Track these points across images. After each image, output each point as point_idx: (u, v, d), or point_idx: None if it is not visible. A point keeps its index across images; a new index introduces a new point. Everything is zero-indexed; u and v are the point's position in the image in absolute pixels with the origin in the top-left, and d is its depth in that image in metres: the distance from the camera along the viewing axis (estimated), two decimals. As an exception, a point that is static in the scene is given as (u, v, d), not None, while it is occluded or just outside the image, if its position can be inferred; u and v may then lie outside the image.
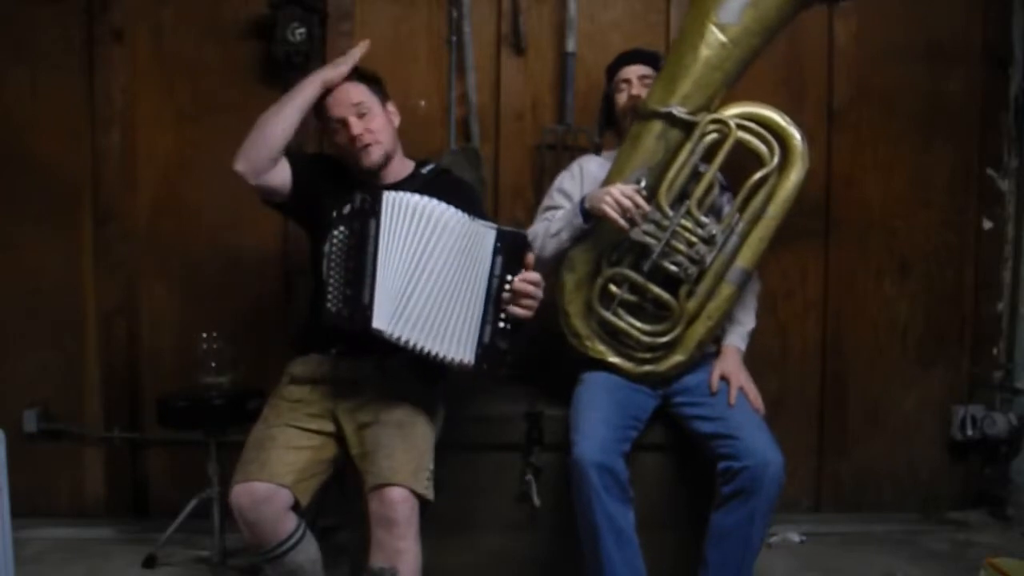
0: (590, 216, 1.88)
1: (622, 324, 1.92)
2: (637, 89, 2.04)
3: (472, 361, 1.66)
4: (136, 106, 2.52)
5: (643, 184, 1.87)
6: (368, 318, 1.58)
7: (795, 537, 2.48)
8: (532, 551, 1.97)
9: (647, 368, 1.93)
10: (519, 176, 2.55)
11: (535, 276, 1.70)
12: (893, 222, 2.65)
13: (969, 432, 2.65)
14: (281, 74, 2.47)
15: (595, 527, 1.71)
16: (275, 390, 1.85)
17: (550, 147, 2.51)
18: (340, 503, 1.96)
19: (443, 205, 1.65)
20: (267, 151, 1.77)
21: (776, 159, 1.87)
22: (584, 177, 2.10)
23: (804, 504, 2.66)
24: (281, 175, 1.81)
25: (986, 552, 2.27)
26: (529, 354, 1.81)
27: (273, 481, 1.62)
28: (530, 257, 1.70)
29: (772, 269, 2.53)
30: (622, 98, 2.07)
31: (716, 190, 1.90)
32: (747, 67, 1.90)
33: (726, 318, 1.97)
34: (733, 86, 1.90)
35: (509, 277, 1.67)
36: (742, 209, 1.89)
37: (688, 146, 1.87)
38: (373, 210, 1.60)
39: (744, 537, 1.74)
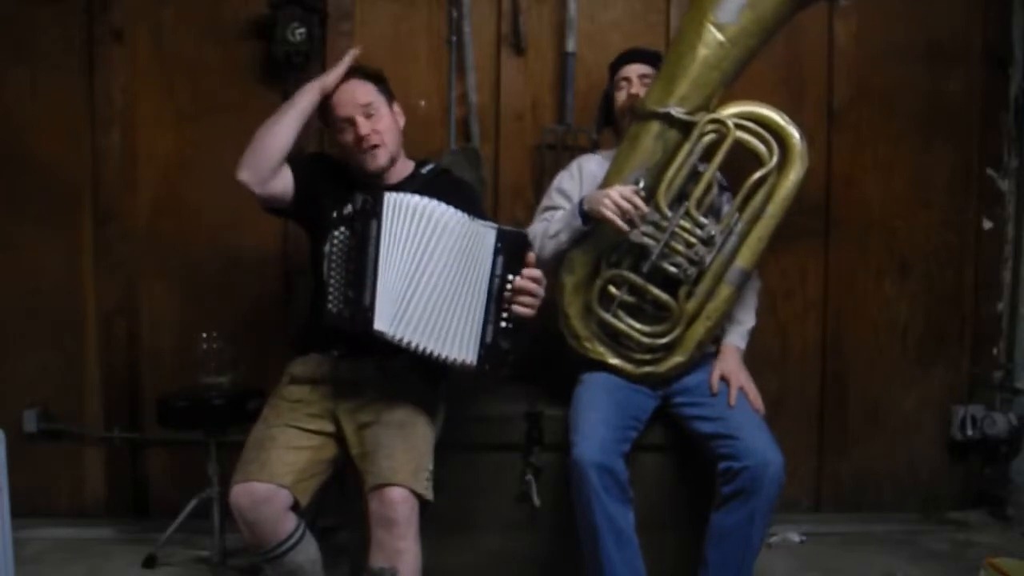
0: (589, 218, 1.88)
1: (621, 325, 1.92)
2: (636, 88, 2.04)
3: (474, 361, 1.66)
4: (136, 106, 2.52)
5: (642, 185, 1.86)
6: (369, 320, 1.58)
7: (795, 537, 2.48)
8: (532, 551, 1.97)
9: (647, 369, 1.93)
10: (519, 176, 2.55)
11: (537, 273, 1.70)
12: (893, 222, 2.65)
13: (969, 432, 2.65)
14: (281, 74, 2.47)
15: (595, 527, 1.71)
16: (275, 390, 1.85)
17: (550, 147, 2.51)
18: (340, 503, 1.95)
19: (443, 206, 1.65)
20: (269, 160, 1.77)
21: (775, 159, 1.87)
22: (583, 177, 2.10)
23: (804, 504, 2.66)
24: (283, 182, 1.81)
25: (986, 552, 2.27)
26: (529, 354, 1.81)
27: (273, 481, 1.62)
28: (531, 256, 1.70)
29: (772, 269, 2.53)
30: (621, 96, 2.08)
31: (715, 190, 1.90)
32: (745, 67, 1.90)
33: (725, 318, 1.97)
34: (732, 86, 1.90)
35: (510, 276, 1.67)
36: (741, 209, 1.89)
37: (686, 146, 1.87)
38: (374, 211, 1.60)
39: (744, 537, 1.74)
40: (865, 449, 2.67)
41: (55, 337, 2.55)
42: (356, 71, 1.86)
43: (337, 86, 1.83)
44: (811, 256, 2.63)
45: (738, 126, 1.86)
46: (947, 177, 2.66)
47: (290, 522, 1.66)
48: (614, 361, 1.94)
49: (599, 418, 1.80)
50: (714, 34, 1.83)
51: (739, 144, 1.88)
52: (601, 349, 1.96)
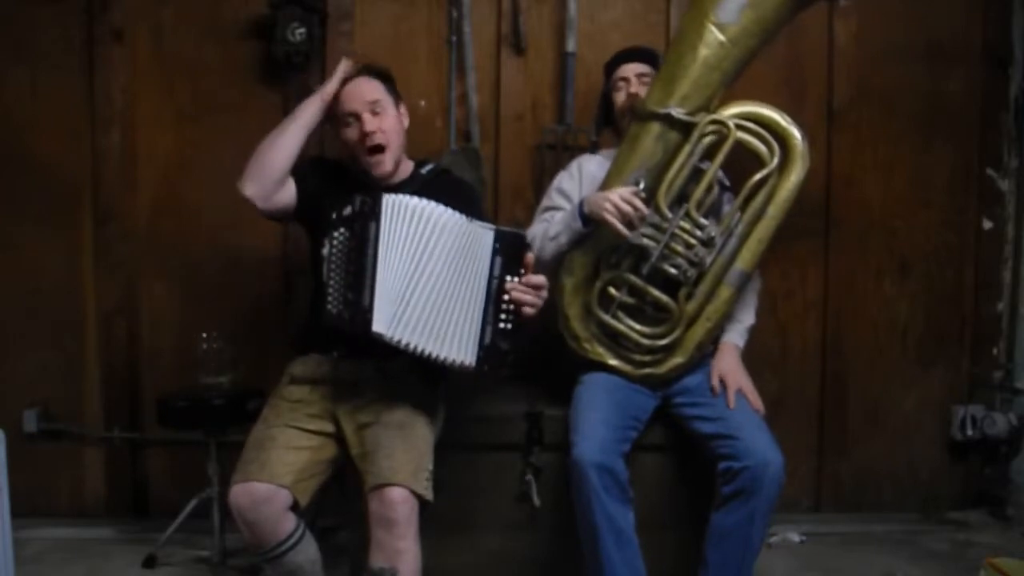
0: (589, 220, 1.88)
1: (621, 327, 1.92)
2: (636, 88, 2.03)
3: (473, 362, 1.66)
4: (136, 106, 2.52)
5: (642, 186, 1.86)
6: (368, 321, 1.59)
7: (795, 537, 2.48)
8: (532, 551, 1.97)
9: (646, 370, 1.93)
10: (519, 176, 2.55)
11: (538, 280, 1.69)
12: (893, 222, 2.65)
13: (969, 432, 2.65)
14: (281, 74, 2.47)
15: (595, 527, 1.71)
16: (275, 390, 1.85)
17: (550, 147, 2.51)
18: (340, 503, 1.96)
19: (441, 207, 1.66)
20: (274, 174, 1.78)
21: (776, 159, 1.86)
22: (583, 177, 2.10)
23: (804, 504, 2.66)
24: (287, 194, 1.82)
25: (986, 552, 2.27)
26: (529, 354, 1.81)
27: (273, 481, 1.63)
28: (529, 257, 1.70)
29: (772, 269, 2.53)
30: (620, 97, 2.07)
31: (716, 191, 1.89)
32: (745, 67, 1.89)
33: (726, 319, 1.96)
34: (732, 86, 1.90)
35: (508, 277, 1.67)
36: (742, 210, 1.88)
37: (687, 147, 1.86)
38: (373, 213, 1.60)
39: (744, 537, 1.74)
40: (865, 449, 2.67)
41: (55, 337, 2.55)
42: (365, 69, 1.87)
43: (342, 87, 1.84)
44: (811, 256, 2.62)
45: (739, 127, 1.86)
46: (947, 177, 2.66)
47: (290, 522, 1.66)
48: (614, 362, 1.94)
49: (599, 418, 1.80)
50: (715, 34, 1.82)
51: (740, 145, 1.87)
52: (601, 350, 1.95)
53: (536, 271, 1.72)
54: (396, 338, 1.61)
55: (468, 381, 1.80)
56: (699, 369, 1.96)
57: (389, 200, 1.62)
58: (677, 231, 1.85)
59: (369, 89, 1.83)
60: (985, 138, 2.66)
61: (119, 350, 2.55)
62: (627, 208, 1.80)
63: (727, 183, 2.01)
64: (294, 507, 1.66)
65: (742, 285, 1.92)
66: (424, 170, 1.93)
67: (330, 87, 1.85)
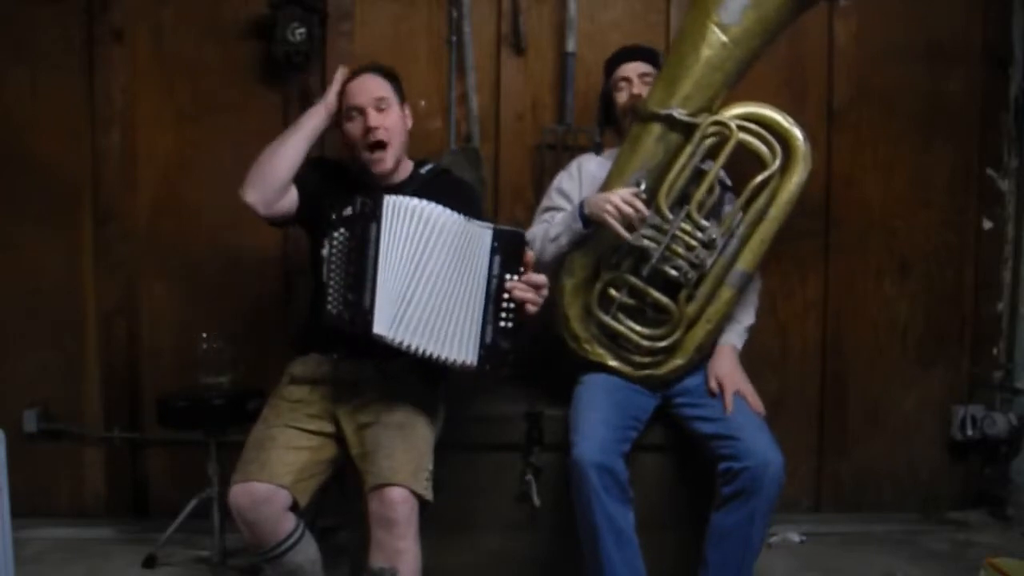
0: (590, 221, 1.88)
1: (621, 328, 1.92)
2: (638, 88, 2.02)
3: (474, 362, 1.66)
4: (136, 106, 2.52)
5: (643, 187, 1.85)
6: (369, 323, 1.59)
7: (795, 537, 2.48)
8: (532, 551, 1.97)
9: (646, 372, 1.93)
10: (519, 176, 2.55)
11: (538, 279, 1.69)
12: (893, 222, 2.65)
13: (969, 432, 2.64)
14: (281, 74, 2.47)
15: (595, 527, 1.71)
16: (275, 390, 1.86)
17: (550, 147, 2.50)
18: (340, 503, 1.96)
19: (440, 207, 1.66)
20: (276, 182, 1.78)
21: (778, 161, 1.85)
22: (583, 177, 2.10)
23: (804, 504, 2.66)
24: (289, 200, 1.82)
25: (986, 552, 2.27)
26: (530, 354, 1.81)
27: (272, 481, 1.63)
28: (529, 255, 1.70)
29: (772, 269, 2.53)
30: (622, 97, 2.06)
31: (717, 191, 1.89)
32: (748, 68, 1.88)
33: (726, 320, 1.96)
34: (734, 87, 1.89)
35: (508, 276, 1.67)
36: (744, 211, 1.87)
37: (688, 148, 1.86)
38: (374, 214, 1.61)
39: (744, 537, 1.74)
40: (865, 449, 2.67)
41: (55, 337, 2.55)
42: (373, 67, 1.88)
43: (346, 84, 1.85)
44: (811, 256, 2.62)
45: (741, 128, 1.85)
46: (947, 177, 2.66)
47: (289, 522, 1.66)
48: (613, 363, 1.94)
49: (599, 418, 1.80)
50: (717, 35, 1.82)
51: (742, 145, 1.86)
52: (601, 351, 1.95)
53: (536, 271, 1.72)
54: (397, 339, 1.61)
55: (469, 381, 1.80)
56: (699, 370, 1.95)
57: (390, 201, 1.62)
58: (678, 233, 1.84)
59: (376, 86, 1.84)
60: (985, 138, 2.66)
61: (119, 350, 2.55)
62: (628, 210, 1.80)
63: (728, 183, 2.00)
64: (294, 507, 1.66)
65: (743, 286, 1.92)
66: (424, 170, 1.93)
67: (332, 96, 1.85)
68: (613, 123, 2.15)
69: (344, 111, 1.85)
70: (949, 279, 2.68)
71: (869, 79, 2.60)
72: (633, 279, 1.88)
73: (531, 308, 1.68)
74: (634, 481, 1.77)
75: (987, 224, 2.68)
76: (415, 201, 1.64)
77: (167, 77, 2.52)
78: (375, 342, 1.61)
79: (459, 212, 1.68)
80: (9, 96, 2.51)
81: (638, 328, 1.91)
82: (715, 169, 1.85)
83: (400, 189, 1.80)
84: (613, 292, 1.91)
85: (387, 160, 1.83)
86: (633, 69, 2.05)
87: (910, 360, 2.68)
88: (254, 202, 1.78)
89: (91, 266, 2.55)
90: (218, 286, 2.55)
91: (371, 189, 1.81)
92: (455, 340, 1.64)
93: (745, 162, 1.89)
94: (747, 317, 2.03)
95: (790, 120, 1.90)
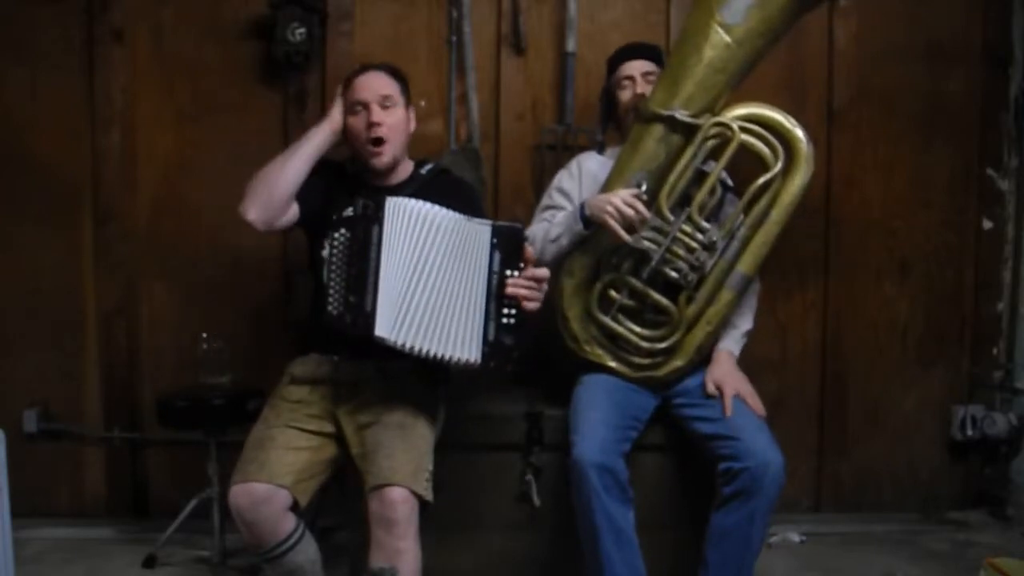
0: (591, 222, 1.87)
1: (621, 329, 1.92)
2: (641, 87, 2.01)
3: (478, 359, 1.65)
4: (136, 106, 2.52)
5: (644, 188, 1.84)
6: (371, 325, 1.59)
7: (795, 537, 2.48)
8: (532, 551, 1.97)
9: (645, 373, 1.93)
10: (519, 176, 2.55)
11: (539, 273, 1.69)
12: (893, 222, 2.65)
13: (969, 432, 2.64)
14: (281, 74, 2.47)
15: (595, 527, 1.71)
16: (275, 390, 1.85)
17: (550, 147, 2.50)
18: (340, 503, 1.96)
19: (439, 208, 1.66)
20: (278, 202, 1.78)
21: (780, 163, 1.84)
22: (583, 176, 2.09)
23: (804, 504, 2.66)
24: (291, 215, 1.82)
25: (986, 552, 2.27)
26: (530, 355, 1.81)
27: (272, 482, 1.63)
28: (529, 250, 1.70)
29: (772, 269, 2.51)
30: (625, 95, 2.05)
31: (719, 192, 1.88)
32: (751, 69, 1.87)
33: (726, 322, 1.95)
34: (736, 88, 1.89)
35: (508, 272, 1.67)
36: (745, 213, 1.86)
37: (690, 150, 1.85)
38: (376, 216, 1.61)
39: (744, 537, 1.74)
40: (865, 449, 2.67)
41: (55, 337, 2.55)
42: (383, 65, 1.88)
43: (354, 79, 1.85)
44: (811, 256, 2.62)
45: (743, 129, 1.83)
46: (947, 177, 2.66)
47: (289, 522, 1.66)
48: (612, 364, 1.94)
49: (599, 418, 1.80)
50: (720, 35, 1.80)
51: (744, 147, 1.85)
52: (600, 352, 1.95)
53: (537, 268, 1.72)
54: (399, 342, 1.61)
55: (474, 378, 1.80)
56: (699, 370, 1.95)
57: (392, 203, 1.62)
58: (679, 235, 1.84)
59: (384, 83, 1.84)
60: (985, 138, 2.66)
61: (119, 350, 2.55)
62: (628, 212, 1.80)
63: (730, 183, 1.99)
64: (294, 507, 1.66)
65: (744, 289, 1.91)
66: (424, 170, 1.93)
67: (336, 114, 1.85)
68: (615, 121, 2.14)
69: (349, 105, 1.85)
70: (949, 279, 2.68)
71: (869, 79, 2.60)
72: (633, 280, 1.88)
73: (531, 304, 1.68)
74: (634, 481, 1.77)
75: (987, 224, 2.68)
76: (416, 203, 1.65)
77: (167, 77, 2.52)
78: (376, 343, 1.61)
79: (459, 212, 1.68)
80: (9, 96, 2.51)
81: (638, 329, 1.91)
82: (717, 170, 1.85)
83: (400, 189, 1.80)
84: (613, 293, 1.91)
85: (384, 155, 1.83)
86: (636, 67, 2.04)
87: (910, 360, 2.68)
88: (255, 220, 1.78)
89: (91, 266, 2.55)
90: (218, 286, 2.54)
91: (371, 189, 1.82)
92: (458, 339, 1.64)
93: (747, 162, 1.88)
94: (745, 322, 2.02)
95: (793, 121, 1.88)
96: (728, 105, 1.88)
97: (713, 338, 1.94)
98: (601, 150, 2.20)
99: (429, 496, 1.64)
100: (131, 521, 2.54)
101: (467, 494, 1.95)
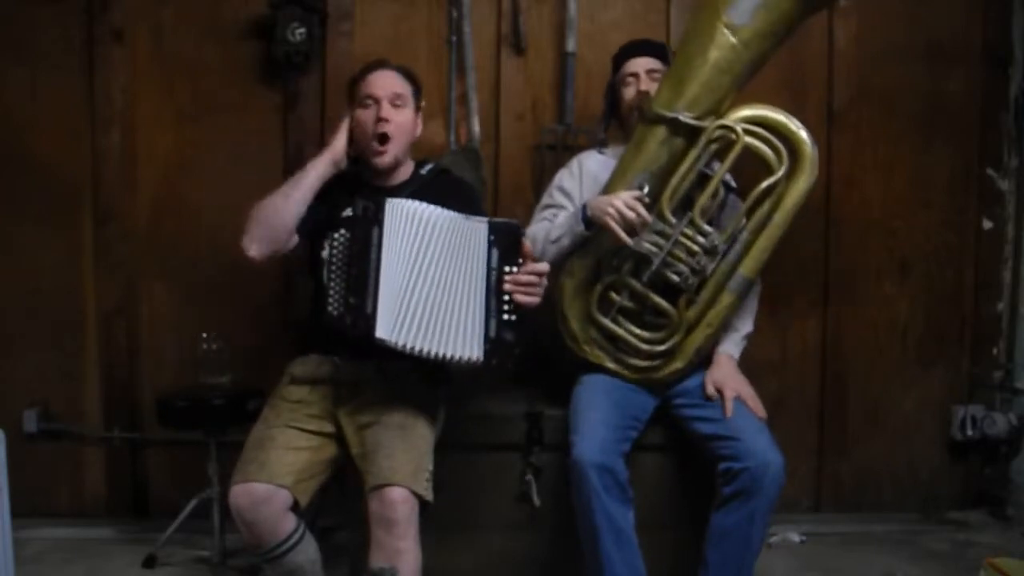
0: (592, 224, 1.87)
1: (620, 331, 1.91)
2: (645, 84, 2.00)
3: (480, 357, 1.65)
4: (136, 106, 2.52)
5: (646, 191, 1.83)
6: (371, 327, 1.59)
7: (795, 537, 2.48)
8: (532, 551, 1.97)
9: (645, 375, 1.92)
10: (519, 176, 2.55)
11: (538, 267, 1.69)
12: (893, 222, 2.65)
13: (969, 432, 2.64)
14: (281, 74, 2.47)
15: (595, 527, 1.71)
16: (275, 390, 1.85)
17: (550, 147, 2.50)
18: (340, 503, 1.95)
19: (438, 208, 1.67)
20: (280, 237, 1.78)
21: (784, 167, 1.82)
22: (583, 175, 2.09)
23: (804, 504, 2.66)
24: (292, 242, 1.82)
25: (986, 552, 2.27)
26: (529, 354, 1.81)
27: (272, 482, 1.63)
28: (527, 245, 1.70)
29: (772, 269, 2.52)
30: (629, 92, 2.03)
31: (721, 194, 1.87)
32: (757, 70, 1.85)
33: (726, 324, 1.95)
34: (742, 89, 1.87)
35: (507, 268, 1.67)
36: (748, 216, 1.85)
37: (693, 153, 1.83)
38: (376, 218, 1.61)
39: (744, 537, 1.74)
40: (865, 449, 2.67)
41: (55, 337, 2.55)
42: (399, 66, 1.89)
43: (367, 75, 1.85)
44: (811, 257, 2.62)
45: (747, 132, 1.81)
46: (947, 177, 2.66)
47: (289, 522, 1.66)
48: (612, 365, 1.94)
49: (599, 418, 1.80)
50: (727, 36, 1.77)
51: (747, 149, 1.83)
52: (599, 353, 1.95)
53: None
54: (400, 343, 1.61)
55: (475, 378, 1.80)
56: (700, 371, 1.95)
57: (392, 204, 1.63)
58: (680, 238, 1.83)
59: (397, 83, 1.85)
60: (985, 138, 2.66)
61: (119, 350, 2.55)
62: (630, 214, 1.79)
63: (733, 184, 1.98)
64: (294, 507, 1.66)
65: (745, 291, 1.90)
66: (424, 170, 1.93)
67: (340, 143, 1.84)
68: (619, 118, 2.11)
69: (359, 99, 1.85)
70: (949, 279, 2.68)
71: (869, 79, 2.60)
72: (634, 282, 1.87)
73: (531, 300, 1.67)
74: (634, 481, 1.77)
75: (987, 224, 2.68)
76: (415, 204, 1.65)
77: (167, 77, 2.52)
78: (376, 344, 1.61)
79: (459, 212, 1.68)
80: (9, 96, 2.51)
81: (637, 331, 1.91)
82: (720, 173, 1.83)
83: (400, 190, 1.80)
84: (613, 295, 1.90)
85: (387, 154, 1.83)
86: (641, 64, 2.03)
87: (910, 360, 2.68)
88: (255, 256, 1.78)
89: (91, 266, 2.54)
90: (218, 286, 2.54)
91: (371, 189, 1.82)
92: (458, 337, 1.64)
93: (750, 162, 1.87)
94: (745, 325, 2.01)
95: (797, 123, 1.86)
96: (733, 106, 1.86)
97: (713, 340, 1.93)
98: (603, 147, 2.18)
99: (429, 496, 1.64)
100: (131, 521, 2.54)
101: (467, 494, 1.95)
